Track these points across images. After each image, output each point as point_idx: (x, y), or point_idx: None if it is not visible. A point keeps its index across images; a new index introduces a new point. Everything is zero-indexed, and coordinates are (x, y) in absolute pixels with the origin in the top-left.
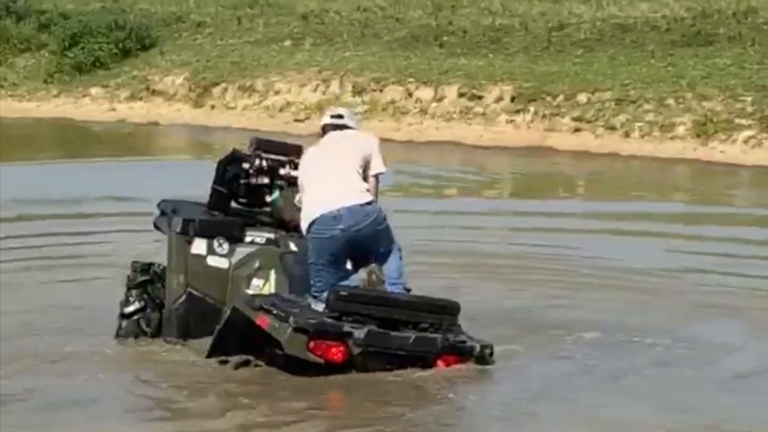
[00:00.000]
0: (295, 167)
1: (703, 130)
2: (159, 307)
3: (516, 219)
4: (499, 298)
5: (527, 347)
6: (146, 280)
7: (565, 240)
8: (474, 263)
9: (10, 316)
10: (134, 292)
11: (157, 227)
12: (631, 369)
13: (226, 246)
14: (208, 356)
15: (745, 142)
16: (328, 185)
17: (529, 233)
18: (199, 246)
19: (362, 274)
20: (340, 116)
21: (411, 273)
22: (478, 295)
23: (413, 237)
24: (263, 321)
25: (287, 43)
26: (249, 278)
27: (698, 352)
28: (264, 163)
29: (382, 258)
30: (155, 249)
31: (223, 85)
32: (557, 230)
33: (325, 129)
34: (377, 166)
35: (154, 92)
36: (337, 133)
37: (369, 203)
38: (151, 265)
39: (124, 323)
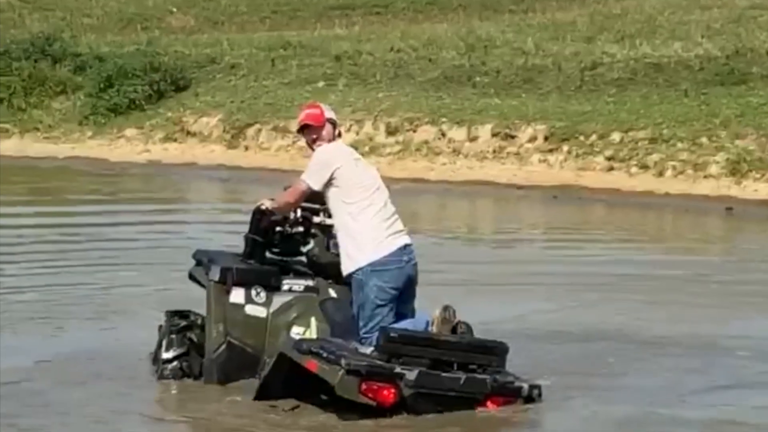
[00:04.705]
0: (329, 215)
1: (736, 169)
2: (201, 353)
3: None
4: None
5: None
6: (187, 325)
7: None
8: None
9: None
10: (175, 337)
11: (192, 278)
12: None
13: (263, 295)
14: (255, 399)
15: None
16: (391, 220)
17: None
18: (237, 295)
19: (436, 312)
20: None
21: None
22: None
23: None
24: (312, 365)
25: (320, 84)
26: (289, 326)
27: None
28: (299, 212)
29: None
30: None
31: (257, 126)
32: None
33: (335, 125)
34: None
35: (188, 133)
36: (357, 157)
37: (411, 245)
38: (189, 312)
39: (169, 366)
